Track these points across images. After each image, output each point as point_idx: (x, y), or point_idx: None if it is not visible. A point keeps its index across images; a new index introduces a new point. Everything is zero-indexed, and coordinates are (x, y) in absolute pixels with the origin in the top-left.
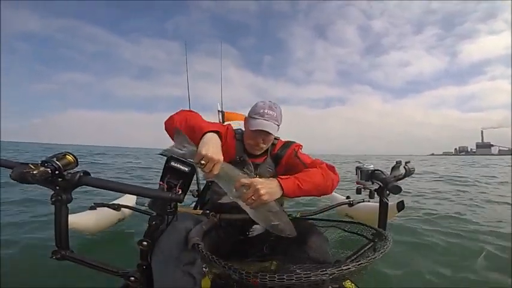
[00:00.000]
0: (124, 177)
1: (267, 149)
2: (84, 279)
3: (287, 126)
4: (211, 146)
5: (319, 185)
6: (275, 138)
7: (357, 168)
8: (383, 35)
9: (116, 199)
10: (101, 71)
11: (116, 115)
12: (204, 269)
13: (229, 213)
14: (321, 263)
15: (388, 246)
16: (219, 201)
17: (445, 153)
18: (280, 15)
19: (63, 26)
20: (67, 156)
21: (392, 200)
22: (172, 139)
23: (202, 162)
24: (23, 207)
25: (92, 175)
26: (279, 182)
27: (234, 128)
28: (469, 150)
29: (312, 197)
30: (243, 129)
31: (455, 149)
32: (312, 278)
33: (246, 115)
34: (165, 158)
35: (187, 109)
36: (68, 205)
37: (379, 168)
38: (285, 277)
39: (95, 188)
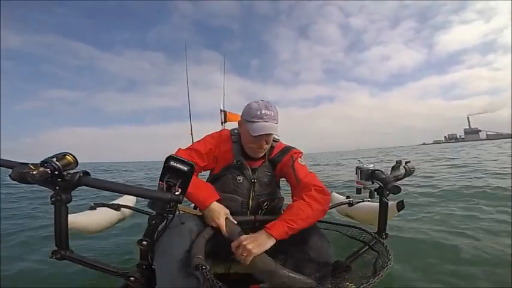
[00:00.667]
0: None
1: (265, 152)
2: (84, 279)
3: (279, 128)
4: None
5: (309, 217)
6: (274, 141)
7: (357, 168)
8: (362, 31)
9: (116, 199)
10: (88, 86)
11: (106, 130)
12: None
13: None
14: (321, 264)
15: (389, 265)
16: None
17: (436, 142)
18: (262, 17)
19: (42, 41)
20: (67, 156)
21: (392, 200)
22: None
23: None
24: None
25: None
26: (267, 231)
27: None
28: (458, 137)
29: None
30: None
31: (445, 136)
32: None
33: (241, 116)
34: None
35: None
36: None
37: (379, 168)
38: None
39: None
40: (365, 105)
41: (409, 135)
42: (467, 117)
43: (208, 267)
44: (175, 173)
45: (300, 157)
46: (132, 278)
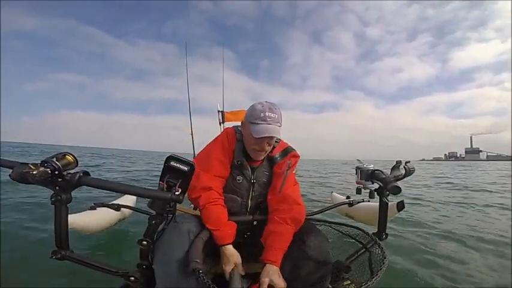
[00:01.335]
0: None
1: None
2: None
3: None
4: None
5: (291, 238)
6: (276, 141)
7: (357, 168)
8: (378, 41)
9: (116, 199)
10: (96, 71)
11: (110, 117)
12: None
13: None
14: (321, 263)
15: (383, 269)
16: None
17: (435, 159)
18: (278, 20)
19: (60, 25)
20: (67, 156)
21: (392, 200)
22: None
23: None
24: None
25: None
26: (273, 264)
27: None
28: (458, 155)
29: (311, 197)
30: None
31: (445, 154)
32: None
33: (245, 117)
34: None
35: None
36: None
37: (379, 168)
38: None
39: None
40: (369, 116)
41: (411, 149)
42: (470, 137)
43: (204, 271)
44: (175, 172)
45: (296, 164)
46: (132, 278)
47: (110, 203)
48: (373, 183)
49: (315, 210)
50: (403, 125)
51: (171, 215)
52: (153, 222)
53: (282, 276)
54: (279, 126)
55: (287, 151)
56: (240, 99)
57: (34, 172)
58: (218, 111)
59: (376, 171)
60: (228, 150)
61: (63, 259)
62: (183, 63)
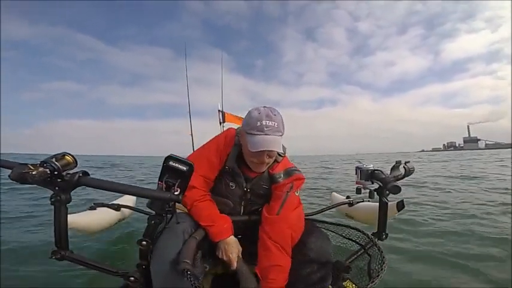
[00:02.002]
0: None
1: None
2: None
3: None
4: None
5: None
6: (279, 155)
7: (357, 168)
8: (369, 36)
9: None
10: (91, 78)
11: (108, 123)
12: (205, 269)
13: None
14: (321, 263)
15: (382, 272)
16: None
17: (434, 149)
18: (271, 18)
19: (50, 33)
20: (66, 156)
21: (392, 200)
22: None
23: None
24: None
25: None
26: None
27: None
28: (457, 145)
29: (311, 197)
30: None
31: (444, 144)
32: None
33: (242, 125)
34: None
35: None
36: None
37: (379, 168)
38: None
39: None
40: (366, 109)
41: (409, 141)
42: (468, 126)
43: (194, 271)
44: (174, 172)
45: (299, 187)
46: (132, 278)
47: (110, 203)
48: (373, 183)
49: (315, 210)
50: (399, 117)
51: (171, 215)
52: (153, 222)
53: None
54: (280, 136)
55: (290, 173)
56: (237, 99)
57: (33, 172)
58: (218, 110)
59: (376, 171)
60: (222, 152)
61: (62, 259)
62: (179, 66)
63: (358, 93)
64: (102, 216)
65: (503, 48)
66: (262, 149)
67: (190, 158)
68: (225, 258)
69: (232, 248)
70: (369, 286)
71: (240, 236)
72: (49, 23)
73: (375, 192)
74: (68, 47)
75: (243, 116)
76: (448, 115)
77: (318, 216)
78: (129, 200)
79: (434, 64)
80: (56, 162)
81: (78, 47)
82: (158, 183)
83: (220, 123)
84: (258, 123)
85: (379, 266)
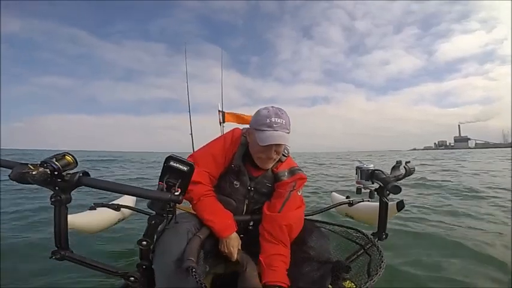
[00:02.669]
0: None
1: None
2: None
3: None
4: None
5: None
6: (283, 155)
7: (357, 168)
8: (366, 35)
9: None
10: (84, 73)
11: (101, 119)
12: (205, 269)
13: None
14: (321, 263)
15: (380, 272)
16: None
17: (426, 148)
18: (267, 16)
19: (40, 27)
20: (66, 156)
21: (392, 200)
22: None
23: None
24: None
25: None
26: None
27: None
28: (447, 144)
29: (311, 197)
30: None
31: (435, 143)
32: None
33: (250, 124)
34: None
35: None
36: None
37: (379, 168)
38: None
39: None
40: (360, 107)
41: (401, 139)
42: (459, 125)
43: (200, 270)
44: (175, 173)
45: (302, 186)
46: (132, 278)
47: (110, 203)
48: (373, 183)
49: (315, 210)
50: (393, 115)
51: (171, 215)
52: (153, 222)
53: None
54: (287, 133)
55: (294, 172)
56: (233, 96)
57: (33, 172)
58: (218, 111)
59: (376, 171)
60: (228, 150)
61: (62, 259)
62: (173, 62)
63: (352, 92)
64: (102, 217)
65: (496, 49)
66: (271, 143)
67: (196, 155)
68: (226, 251)
69: (233, 242)
70: (367, 284)
71: (242, 236)
72: (37, 17)
73: (375, 192)
74: (58, 41)
75: (242, 114)
76: (440, 114)
77: (318, 216)
78: (129, 200)
79: (428, 63)
80: (56, 162)
81: (69, 41)
82: (159, 183)
83: (220, 123)
84: (268, 120)
85: (378, 265)
